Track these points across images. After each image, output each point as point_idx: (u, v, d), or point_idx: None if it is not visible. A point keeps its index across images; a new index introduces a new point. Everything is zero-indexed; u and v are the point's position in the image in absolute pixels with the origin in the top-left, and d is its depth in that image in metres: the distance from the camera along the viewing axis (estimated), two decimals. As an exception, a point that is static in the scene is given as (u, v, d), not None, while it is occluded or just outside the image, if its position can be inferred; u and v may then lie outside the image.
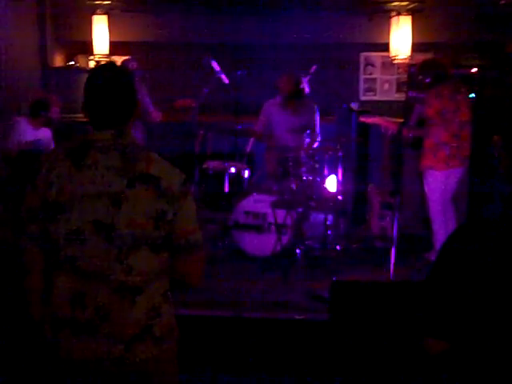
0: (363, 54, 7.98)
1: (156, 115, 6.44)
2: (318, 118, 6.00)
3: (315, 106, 6.01)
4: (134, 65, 6.22)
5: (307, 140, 5.68)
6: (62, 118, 6.07)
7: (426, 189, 5.45)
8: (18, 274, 2.22)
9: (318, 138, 5.95)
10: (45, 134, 5.86)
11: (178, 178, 2.11)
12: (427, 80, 5.44)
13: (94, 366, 2.07)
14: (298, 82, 5.90)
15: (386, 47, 7.78)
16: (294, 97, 5.92)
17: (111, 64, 2.22)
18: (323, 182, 5.67)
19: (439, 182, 5.34)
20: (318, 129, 5.99)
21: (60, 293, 2.08)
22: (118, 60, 7.60)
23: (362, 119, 6.14)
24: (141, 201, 2.03)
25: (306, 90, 5.98)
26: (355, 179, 6.32)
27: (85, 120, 2.15)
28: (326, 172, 5.68)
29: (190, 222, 2.14)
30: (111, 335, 2.05)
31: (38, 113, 5.74)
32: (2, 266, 2.87)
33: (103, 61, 7.66)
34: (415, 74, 6.22)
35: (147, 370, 2.12)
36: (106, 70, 2.16)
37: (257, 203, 5.55)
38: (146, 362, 2.10)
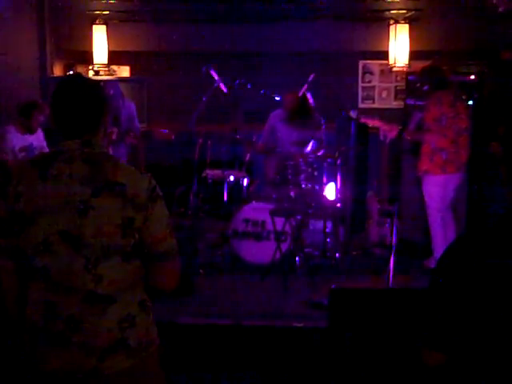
0: (361, 62, 8.01)
1: (130, 139, 6.33)
2: (324, 132, 6.01)
3: (322, 121, 6.01)
4: (114, 89, 6.15)
5: (309, 149, 5.71)
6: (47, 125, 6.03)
7: (424, 196, 5.46)
8: None
9: (323, 150, 5.96)
10: (35, 137, 5.81)
11: (146, 185, 2.07)
12: (425, 88, 5.46)
13: (68, 377, 2.04)
14: (304, 100, 5.92)
15: (384, 55, 7.81)
16: (298, 114, 5.97)
17: (77, 75, 2.23)
18: (322, 189, 5.68)
19: (436, 187, 5.35)
20: (324, 143, 5.99)
21: (33, 303, 2.07)
22: (117, 69, 7.66)
23: (363, 120, 6.15)
24: (107, 209, 2.01)
25: (311, 101, 5.99)
26: (354, 187, 6.33)
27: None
28: (324, 180, 5.70)
29: (161, 228, 2.10)
30: (84, 346, 2.02)
31: (23, 119, 5.69)
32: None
33: (103, 70, 7.70)
34: (415, 81, 6.25)
35: (123, 381, 2.08)
36: (71, 80, 2.17)
37: (256, 211, 5.55)
38: (121, 373, 2.06)
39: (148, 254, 2.10)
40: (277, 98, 6.14)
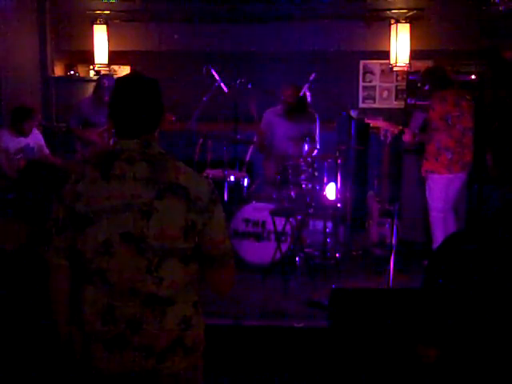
0: (362, 62, 8.00)
1: None
2: (318, 127, 6.01)
3: (316, 116, 6.01)
4: (110, 81, 6.07)
5: (306, 148, 5.70)
6: (57, 127, 6.02)
7: (427, 195, 5.44)
8: (45, 286, 2.18)
9: (317, 147, 5.96)
10: (30, 137, 5.83)
11: (207, 187, 2.07)
12: (427, 87, 5.46)
13: (127, 379, 2.04)
14: (303, 95, 5.91)
15: (385, 55, 7.80)
16: (297, 107, 5.96)
17: (137, 73, 2.19)
18: (322, 189, 5.68)
19: (441, 187, 5.34)
20: (317, 138, 5.99)
21: (89, 307, 2.05)
22: (117, 69, 7.66)
23: (366, 121, 6.15)
24: (170, 212, 2.00)
25: (309, 98, 5.98)
26: (354, 187, 6.32)
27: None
28: (325, 180, 5.69)
29: (220, 231, 2.10)
30: (143, 347, 2.02)
31: (14, 123, 5.73)
32: (21, 278, 2.84)
33: (103, 70, 7.69)
34: (416, 81, 6.24)
35: (179, 381, 2.09)
36: (132, 79, 2.15)
37: (256, 211, 5.55)
38: (178, 373, 2.07)
39: (207, 256, 2.09)
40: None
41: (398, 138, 5.64)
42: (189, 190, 2.02)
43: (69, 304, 2.13)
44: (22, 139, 5.75)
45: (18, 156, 5.68)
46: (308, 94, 5.95)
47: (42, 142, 5.97)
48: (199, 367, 2.18)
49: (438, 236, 5.34)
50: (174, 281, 2.04)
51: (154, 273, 2.00)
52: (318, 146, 5.95)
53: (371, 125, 6.14)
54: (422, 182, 5.54)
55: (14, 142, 5.70)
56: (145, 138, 2.08)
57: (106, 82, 6.08)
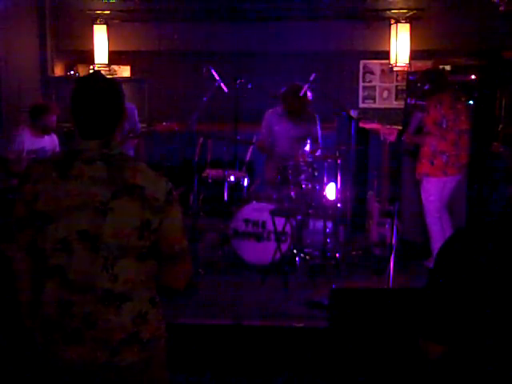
0: (362, 62, 8.01)
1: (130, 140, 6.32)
2: (319, 127, 6.00)
3: (316, 116, 6.01)
4: None
5: (308, 149, 5.69)
6: (59, 126, 6.01)
7: (422, 196, 5.46)
8: (9, 281, 2.25)
9: (320, 148, 5.95)
10: (48, 141, 5.82)
11: (164, 187, 2.12)
12: (426, 87, 5.47)
13: (82, 371, 2.09)
14: (304, 95, 5.90)
15: (385, 55, 7.81)
16: (297, 107, 5.95)
17: (97, 73, 2.24)
18: (322, 189, 5.67)
19: (436, 189, 5.35)
20: (319, 138, 5.99)
21: (49, 301, 2.11)
22: (117, 69, 7.67)
23: (362, 125, 6.15)
24: (126, 211, 2.05)
25: (309, 97, 5.95)
26: (354, 187, 6.31)
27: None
28: (325, 180, 5.69)
29: (176, 230, 2.16)
30: (98, 341, 2.07)
31: (34, 121, 5.70)
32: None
33: (104, 70, 7.70)
34: (416, 81, 6.24)
35: (134, 374, 2.13)
36: (92, 79, 2.18)
37: (256, 211, 5.54)
38: (133, 366, 2.12)
39: (162, 254, 2.15)
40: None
41: (397, 140, 5.65)
42: (145, 189, 2.07)
43: (32, 297, 2.19)
44: (40, 140, 5.72)
45: (31, 156, 5.65)
46: (309, 93, 5.93)
47: (57, 144, 5.95)
48: (158, 362, 2.22)
49: (436, 235, 5.36)
50: (129, 278, 2.09)
51: (110, 270, 2.06)
52: (320, 146, 5.94)
53: (368, 128, 6.15)
54: (420, 184, 5.54)
55: (32, 143, 5.67)
56: (105, 139, 2.12)
57: None
